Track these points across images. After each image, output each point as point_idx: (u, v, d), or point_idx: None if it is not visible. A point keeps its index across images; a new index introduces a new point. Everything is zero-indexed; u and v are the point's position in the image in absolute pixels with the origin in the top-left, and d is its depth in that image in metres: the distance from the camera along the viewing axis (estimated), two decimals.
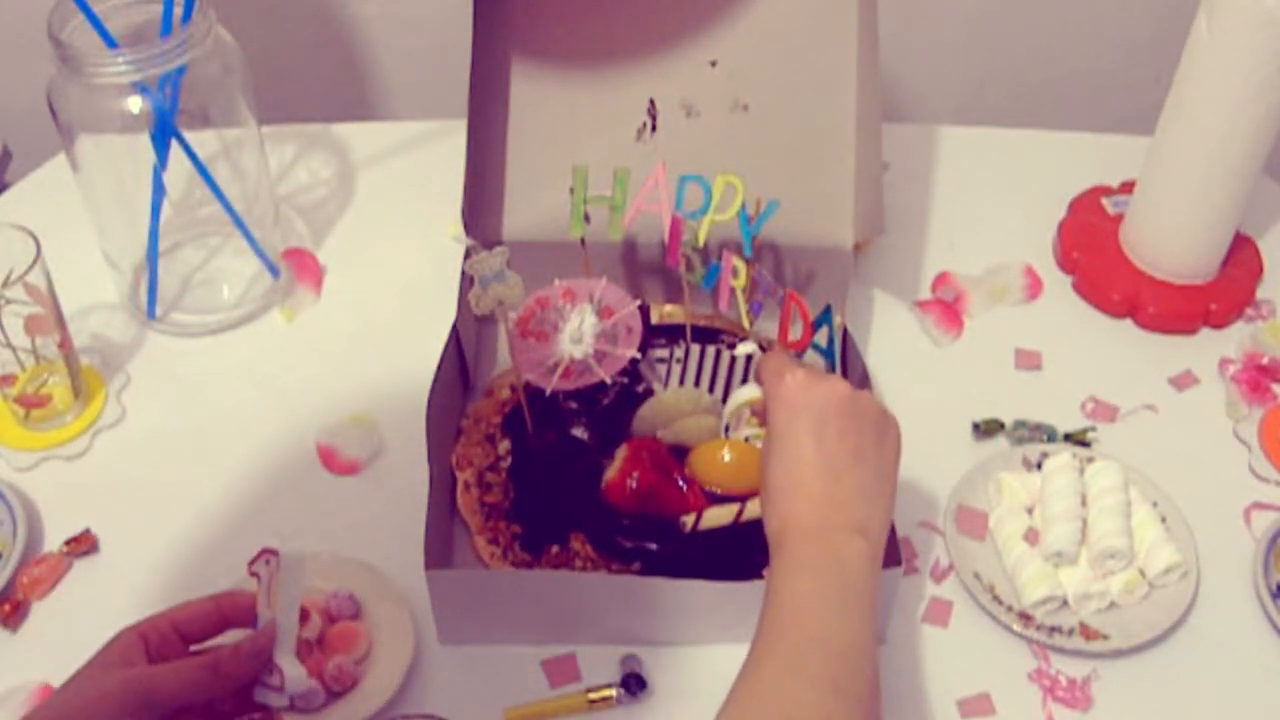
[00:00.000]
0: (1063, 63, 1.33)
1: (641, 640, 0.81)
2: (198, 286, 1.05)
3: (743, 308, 0.86)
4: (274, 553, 0.72)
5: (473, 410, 0.92)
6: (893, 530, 0.78)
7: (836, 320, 0.83)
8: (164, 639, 0.70)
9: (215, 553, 0.86)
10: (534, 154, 0.98)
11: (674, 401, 0.87)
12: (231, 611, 0.72)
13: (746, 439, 0.84)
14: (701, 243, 0.88)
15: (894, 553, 0.77)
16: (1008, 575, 0.85)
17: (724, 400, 0.87)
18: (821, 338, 0.84)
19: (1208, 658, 0.82)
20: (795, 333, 0.84)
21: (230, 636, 0.72)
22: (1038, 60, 1.33)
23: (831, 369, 0.85)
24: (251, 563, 0.72)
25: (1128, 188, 1.09)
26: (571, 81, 0.97)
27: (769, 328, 0.90)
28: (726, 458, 0.83)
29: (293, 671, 0.71)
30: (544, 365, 0.85)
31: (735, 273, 0.86)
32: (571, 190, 0.88)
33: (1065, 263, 1.07)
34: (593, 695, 0.79)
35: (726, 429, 0.84)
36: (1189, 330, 1.02)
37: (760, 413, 0.79)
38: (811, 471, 0.68)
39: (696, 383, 0.90)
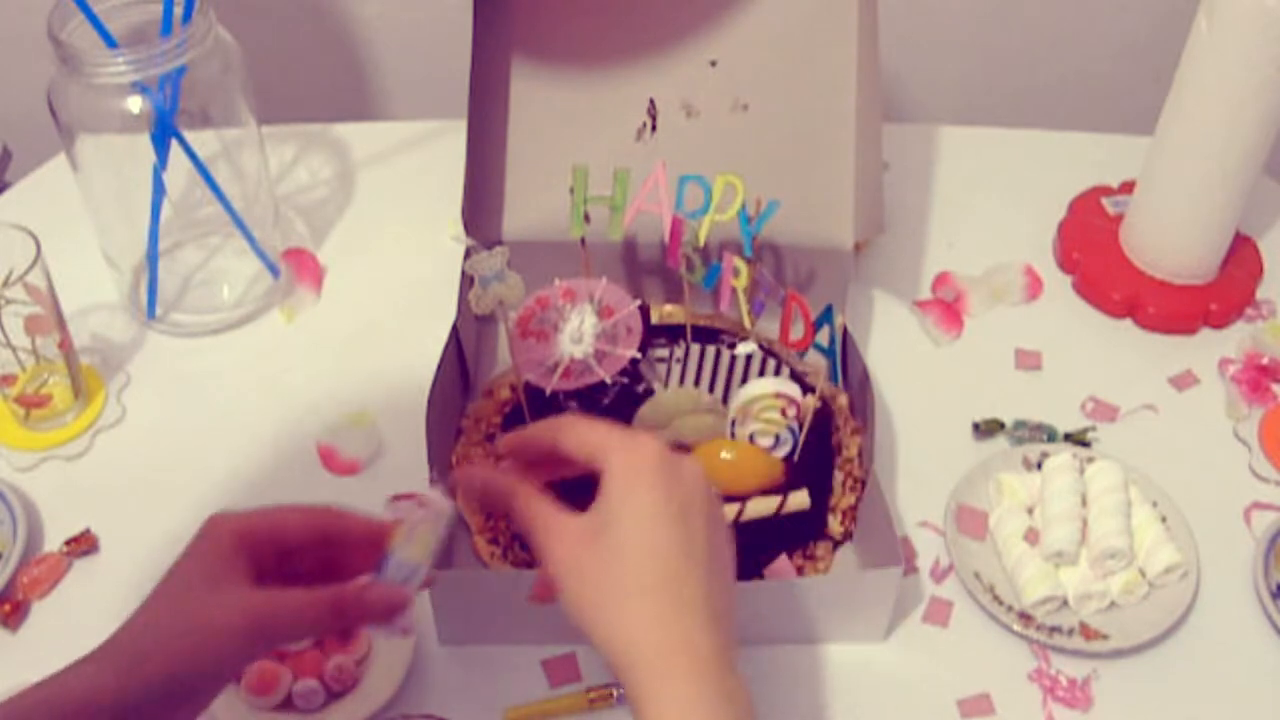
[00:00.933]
0: (1063, 63, 1.33)
1: None
2: (198, 286, 1.05)
3: (744, 308, 0.86)
4: (424, 501, 0.65)
5: (473, 410, 0.92)
6: (893, 530, 0.78)
7: (838, 320, 0.83)
8: (259, 549, 0.62)
9: None
10: (534, 154, 0.98)
11: (674, 401, 0.87)
12: (335, 534, 0.64)
13: (751, 436, 0.84)
14: (702, 242, 0.88)
15: (894, 553, 0.77)
16: (1008, 575, 0.85)
17: (725, 400, 0.87)
18: (823, 337, 0.84)
19: (1208, 658, 0.82)
20: (796, 333, 0.84)
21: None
22: (1038, 60, 1.33)
23: (833, 368, 0.85)
24: (397, 498, 0.65)
25: (1128, 188, 1.09)
26: (571, 81, 0.97)
27: (770, 328, 0.90)
28: (726, 457, 0.83)
29: (410, 619, 0.64)
30: (544, 365, 0.85)
31: (737, 273, 0.86)
32: (571, 190, 0.88)
33: (1065, 263, 1.07)
34: (593, 695, 0.79)
35: (732, 424, 0.84)
36: (1189, 330, 1.02)
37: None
38: (685, 579, 0.56)
39: (696, 383, 0.90)
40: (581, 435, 0.61)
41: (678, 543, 0.56)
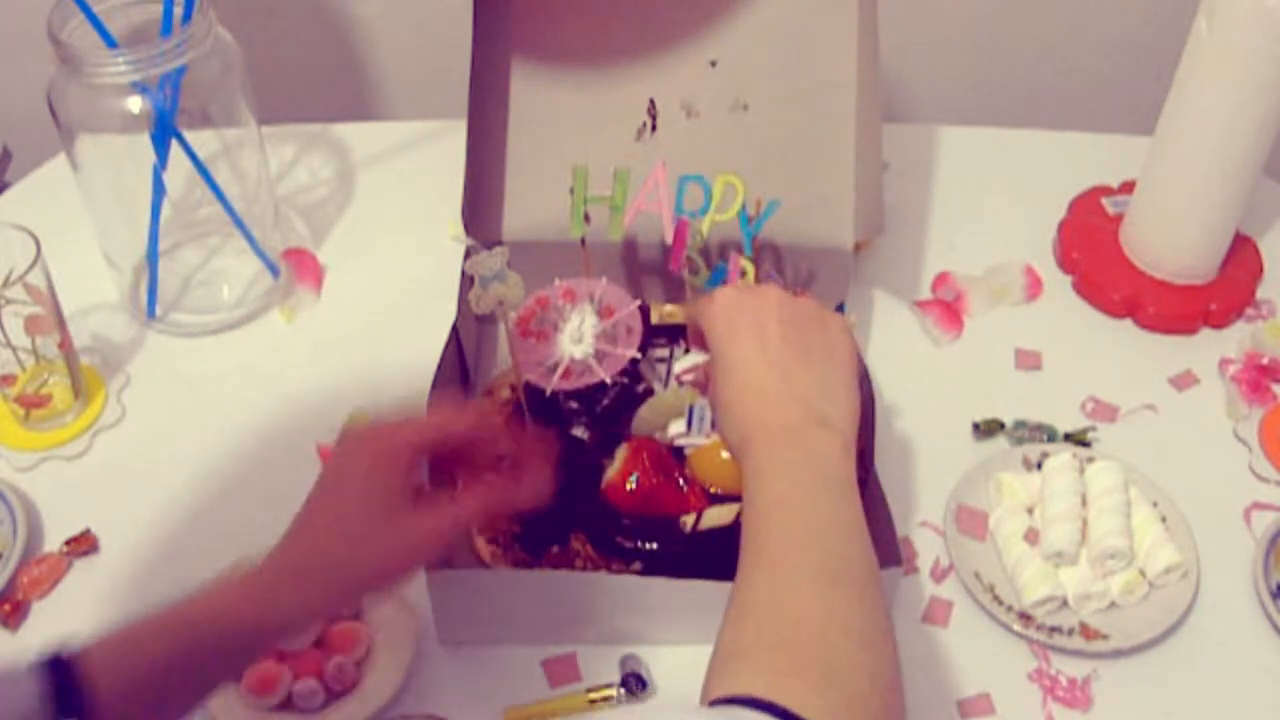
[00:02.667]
0: (1063, 63, 1.33)
1: (641, 640, 0.81)
2: (198, 286, 1.05)
3: None
4: None
5: None
6: (893, 530, 0.78)
7: (851, 319, 0.83)
8: (412, 461, 0.67)
9: (215, 552, 0.86)
10: (534, 154, 0.98)
11: (674, 401, 0.87)
12: (476, 440, 0.71)
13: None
14: (705, 238, 0.88)
15: (894, 553, 0.77)
16: (1008, 575, 0.85)
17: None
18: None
19: (1208, 658, 0.82)
20: None
21: None
22: (1038, 60, 1.33)
23: None
24: None
25: (1128, 188, 1.09)
26: (571, 81, 0.97)
27: None
28: (725, 457, 0.83)
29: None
30: (544, 365, 0.85)
31: (743, 273, 0.86)
32: (571, 190, 0.88)
33: (1065, 263, 1.07)
34: (593, 695, 0.79)
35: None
36: (1189, 330, 1.02)
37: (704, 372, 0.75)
38: (762, 376, 0.67)
39: None
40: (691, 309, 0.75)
41: (754, 360, 0.68)
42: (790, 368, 0.68)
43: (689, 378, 0.81)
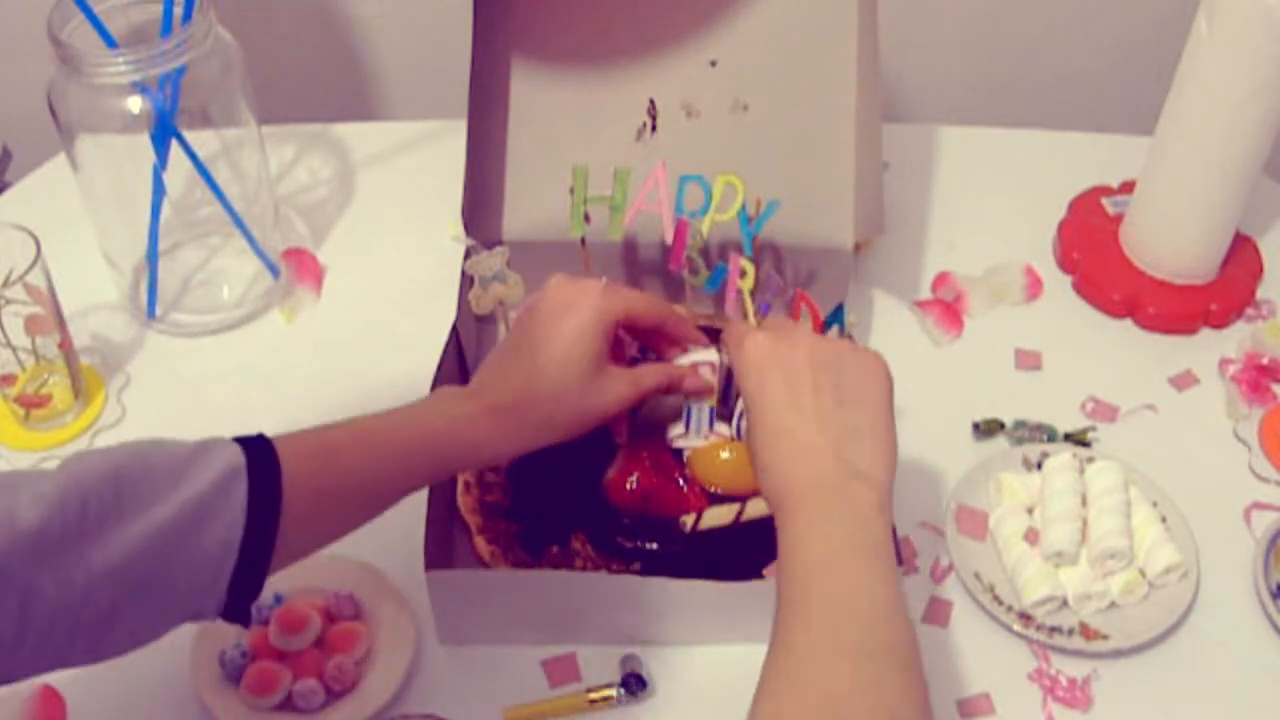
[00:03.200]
0: (1063, 63, 1.33)
1: (641, 640, 0.81)
2: (198, 286, 1.05)
3: (750, 308, 0.86)
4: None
5: None
6: (893, 530, 0.78)
7: (850, 319, 0.83)
8: (616, 327, 0.76)
9: None
10: (534, 154, 0.98)
11: (674, 402, 0.87)
12: (665, 327, 0.79)
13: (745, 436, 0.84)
14: (705, 238, 0.88)
15: (894, 552, 0.77)
16: (1008, 575, 0.85)
17: (724, 400, 0.87)
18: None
19: (1208, 658, 0.82)
20: None
21: None
22: (1038, 60, 1.33)
23: None
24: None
25: (1128, 188, 1.09)
26: (571, 81, 0.97)
27: None
28: (725, 457, 0.83)
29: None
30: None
31: (743, 274, 0.86)
32: (571, 190, 0.88)
33: (1065, 263, 1.07)
34: (593, 695, 0.79)
35: (738, 420, 0.84)
36: (1189, 330, 1.02)
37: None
38: (795, 427, 0.67)
39: None
40: (725, 337, 0.78)
41: (785, 410, 0.68)
42: (824, 417, 0.67)
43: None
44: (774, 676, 0.59)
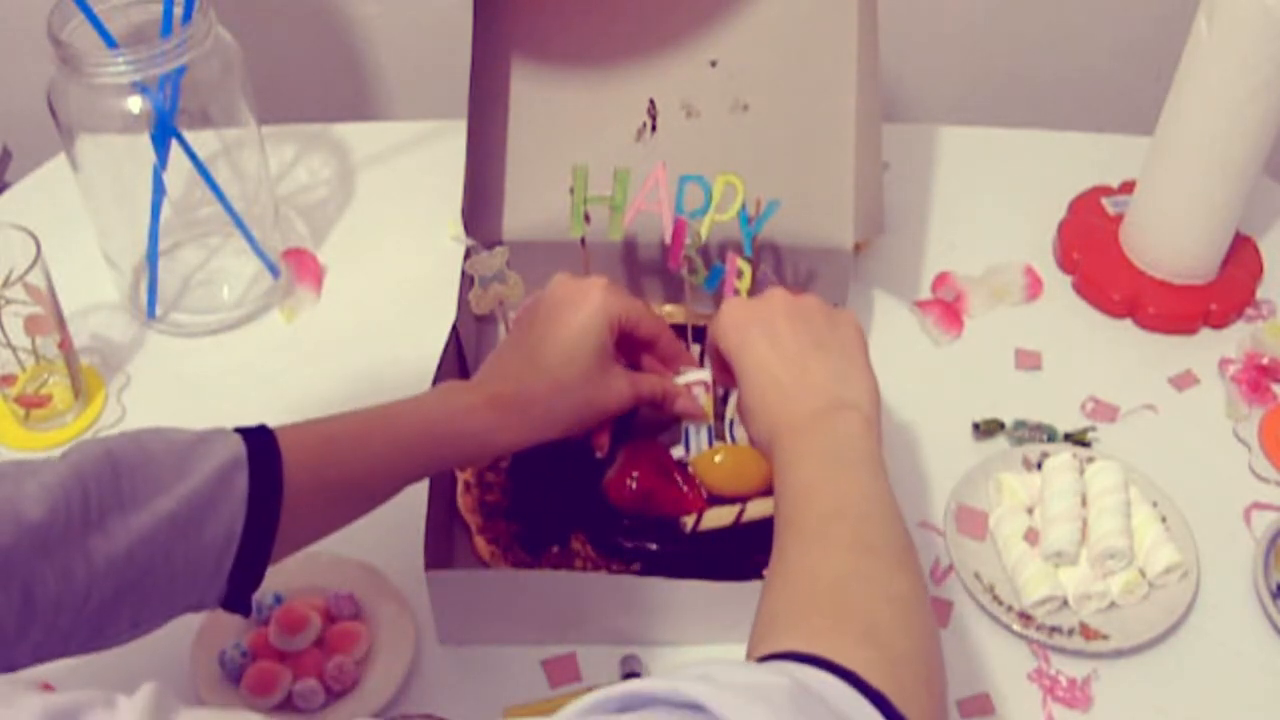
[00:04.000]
0: (1063, 63, 1.33)
1: (641, 640, 0.81)
2: (198, 286, 1.05)
3: None
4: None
5: None
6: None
7: None
8: (617, 331, 0.77)
9: None
10: (534, 154, 0.98)
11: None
12: (659, 342, 0.81)
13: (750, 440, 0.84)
14: (704, 240, 0.88)
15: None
16: (1008, 575, 0.85)
17: (723, 400, 0.87)
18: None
19: (1208, 658, 0.82)
20: None
21: None
22: (1038, 60, 1.33)
23: None
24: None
25: (1128, 188, 1.09)
26: (571, 81, 0.97)
27: None
28: (720, 460, 0.82)
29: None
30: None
31: (740, 274, 0.86)
32: (571, 190, 0.88)
33: (1065, 263, 1.07)
34: None
35: (730, 425, 0.84)
36: (1189, 330, 1.02)
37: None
38: (779, 372, 0.69)
39: None
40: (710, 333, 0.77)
41: (769, 358, 0.70)
42: (805, 359, 0.69)
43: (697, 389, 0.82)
44: (768, 585, 0.60)
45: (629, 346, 0.81)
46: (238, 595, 0.63)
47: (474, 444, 0.73)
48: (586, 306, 0.75)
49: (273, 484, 0.63)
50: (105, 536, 0.57)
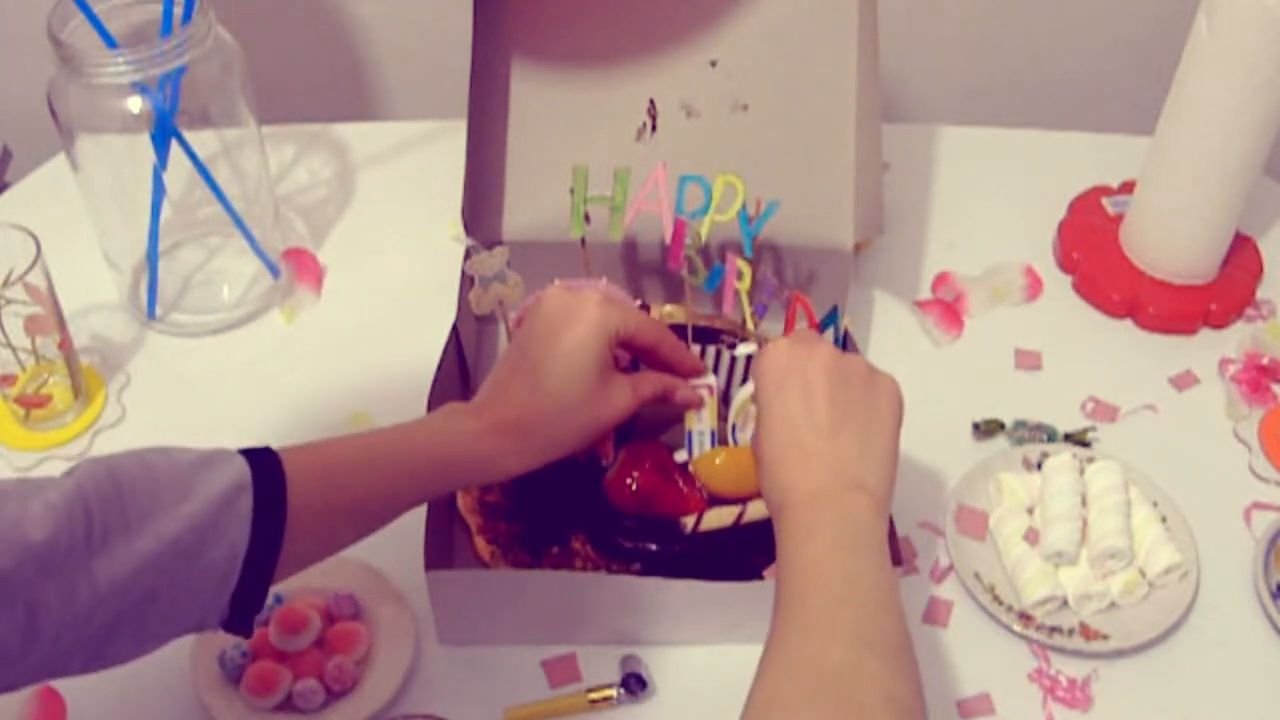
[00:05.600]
0: (1063, 63, 1.33)
1: (641, 640, 0.81)
2: (198, 286, 1.05)
3: (747, 309, 0.86)
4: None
5: None
6: (893, 530, 0.78)
7: (844, 321, 0.83)
8: (616, 341, 0.76)
9: None
10: (534, 154, 0.98)
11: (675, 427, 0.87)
12: (660, 350, 0.79)
13: (753, 440, 0.84)
14: (704, 241, 0.88)
15: (894, 553, 0.77)
16: (1008, 575, 0.85)
17: (724, 400, 0.87)
18: (827, 338, 0.84)
19: (1208, 658, 0.82)
20: None
21: None
22: (1038, 60, 1.33)
23: None
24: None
25: (1128, 188, 1.09)
26: (571, 81, 0.97)
27: (772, 328, 0.90)
28: (720, 462, 0.82)
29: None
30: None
31: (740, 275, 0.86)
32: (571, 190, 0.88)
33: (1065, 263, 1.07)
34: (593, 695, 0.79)
35: (733, 429, 0.84)
36: (1189, 330, 1.02)
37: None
38: (805, 436, 0.68)
39: None
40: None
41: (799, 419, 0.68)
42: (835, 429, 0.68)
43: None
44: (769, 664, 0.60)
45: (633, 352, 0.80)
46: (240, 617, 0.63)
47: (479, 470, 0.73)
48: (582, 324, 0.74)
49: (277, 507, 0.63)
50: (109, 558, 0.57)
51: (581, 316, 0.74)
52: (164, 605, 0.60)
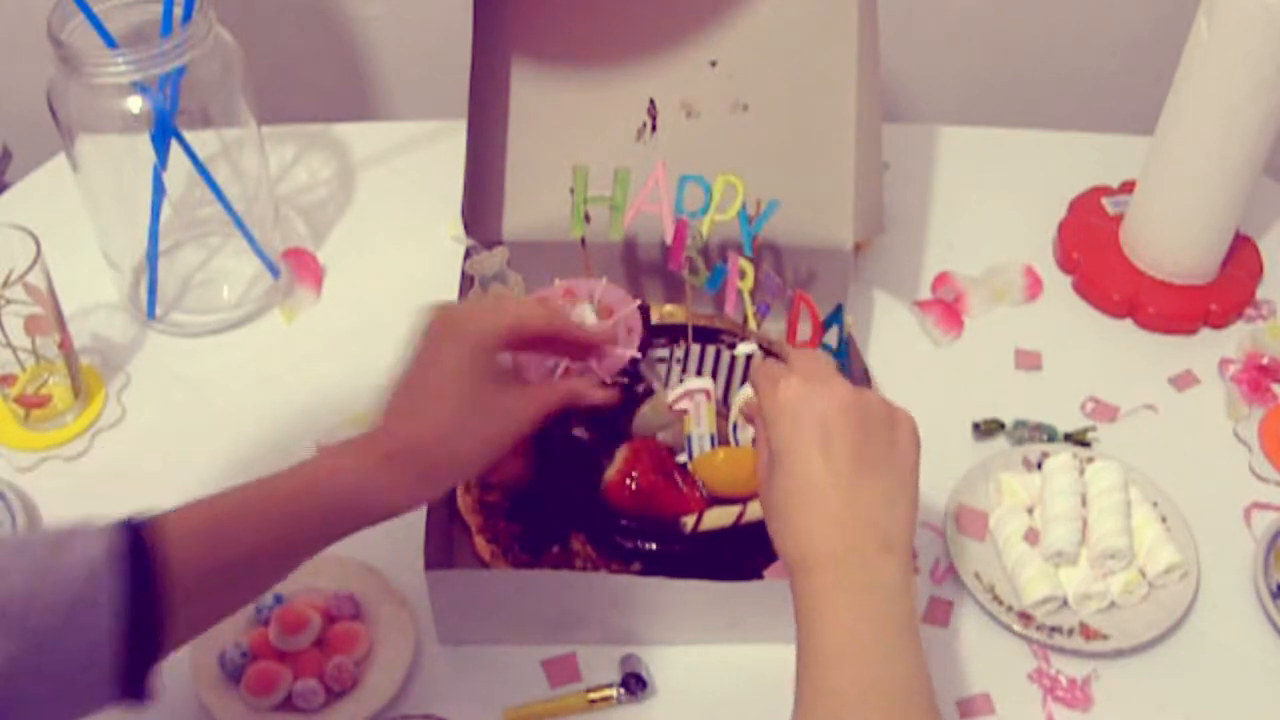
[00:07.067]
0: (1063, 63, 1.33)
1: (641, 640, 0.81)
2: (198, 286, 1.05)
3: (750, 309, 0.86)
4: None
5: None
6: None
7: (848, 320, 0.83)
8: (505, 345, 0.72)
9: None
10: (534, 154, 0.98)
11: (673, 433, 0.86)
12: (560, 334, 0.75)
13: (754, 440, 0.84)
14: (704, 241, 0.88)
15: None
16: (1008, 575, 0.85)
17: (724, 400, 0.87)
18: (830, 338, 0.84)
19: (1208, 658, 0.82)
20: (804, 333, 0.84)
21: None
22: (1038, 60, 1.33)
23: (843, 369, 0.84)
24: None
25: (1128, 188, 1.09)
26: (571, 81, 0.97)
27: (771, 327, 0.90)
28: (721, 461, 0.82)
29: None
30: (544, 365, 0.85)
31: (742, 274, 0.86)
32: (571, 190, 0.88)
33: (1065, 263, 1.07)
34: (593, 695, 0.79)
35: (734, 428, 0.84)
36: (1189, 330, 1.02)
37: (750, 416, 0.75)
38: (827, 490, 0.62)
39: None
40: (755, 376, 0.69)
41: (819, 470, 0.63)
42: (858, 479, 0.63)
43: (682, 405, 0.82)
44: None
45: (529, 347, 0.76)
46: (138, 689, 0.59)
47: (375, 506, 0.68)
48: (450, 341, 0.70)
49: (148, 579, 0.59)
50: None
51: (448, 333, 0.70)
52: (39, 699, 0.56)
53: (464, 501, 0.86)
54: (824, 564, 0.61)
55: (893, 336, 1.01)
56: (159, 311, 1.02)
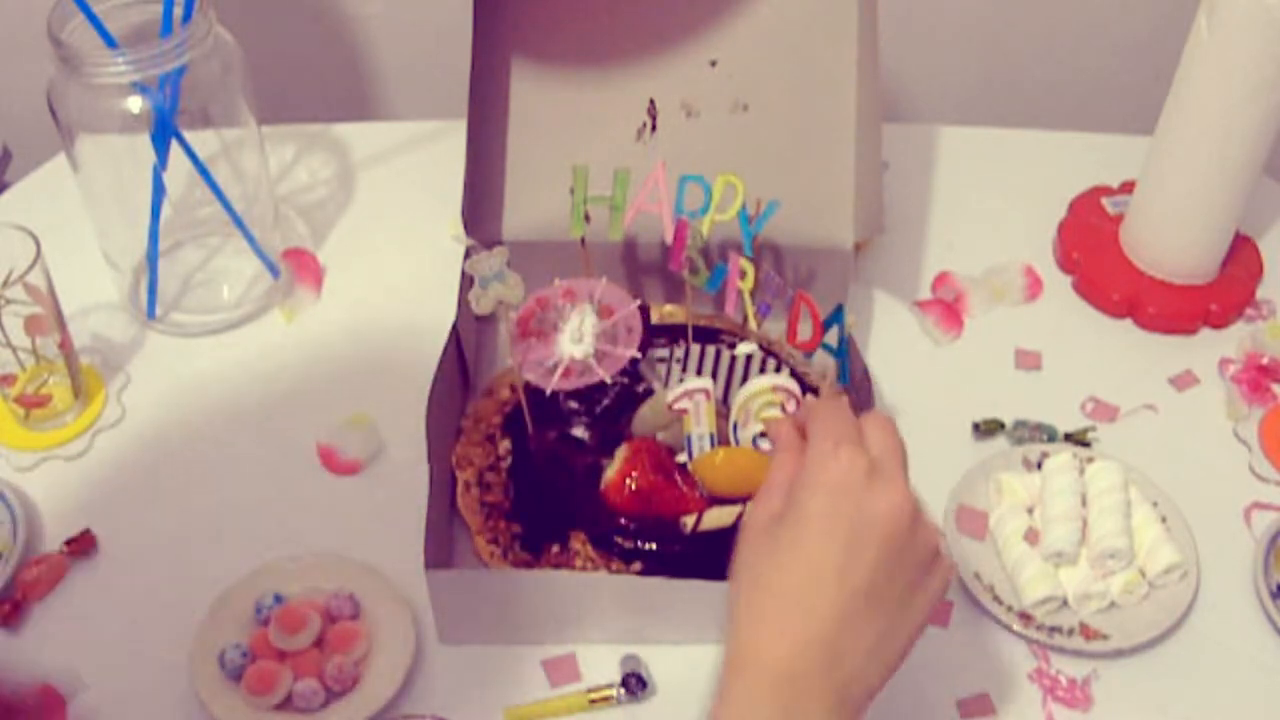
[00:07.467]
0: (1063, 63, 1.33)
1: (641, 640, 0.81)
2: (198, 286, 1.05)
3: (750, 309, 0.86)
4: None
5: (473, 410, 0.92)
6: None
7: (849, 320, 0.83)
8: None
9: (215, 553, 0.86)
10: (534, 154, 0.98)
11: (674, 432, 0.87)
12: None
13: (755, 440, 0.84)
14: (704, 241, 0.88)
15: None
16: (1008, 575, 0.85)
17: (724, 400, 0.87)
18: (831, 338, 0.84)
19: (1208, 658, 0.82)
20: (804, 333, 0.84)
21: None
22: (1038, 60, 1.33)
23: (842, 369, 0.84)
24: None
25: (1128, 188, 1.09)
26: (571, 81, 0.97)
27: (772, 328, 0.90)
28: (720, 461, 0.83)
29: None
30: (544, 365, 0.85)
31: (743, 275, 0.86)
32: (571, 190, 0.88)
33: (1065, 263, 1.07)
34: (593, 695, 0.79)
35: (734, 428, 0.84)
36: (1189, 330, 1.02)
37: (775, 438, 0.67)
38: (824, 591, 0.55)
39: None
40: (811, 417, 0.61)
41: (830, 569, 0.56)
42: (858, 608, 0.56)
43: (682, 405, 0.82)
44: None
45: None
46: None
47: None
48: None
49: None
50: None
51: None
52: None
53: (464, 501, 0.86)
54: (761, 678, 0.55)
55: (893, 336, 1.01)
56: (159, 311, 1.02)
